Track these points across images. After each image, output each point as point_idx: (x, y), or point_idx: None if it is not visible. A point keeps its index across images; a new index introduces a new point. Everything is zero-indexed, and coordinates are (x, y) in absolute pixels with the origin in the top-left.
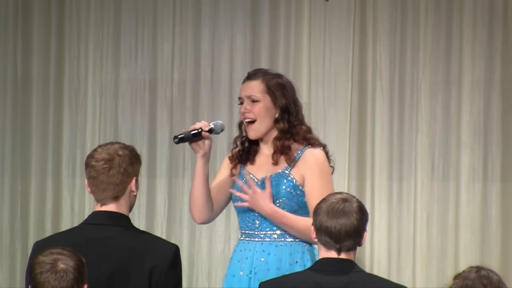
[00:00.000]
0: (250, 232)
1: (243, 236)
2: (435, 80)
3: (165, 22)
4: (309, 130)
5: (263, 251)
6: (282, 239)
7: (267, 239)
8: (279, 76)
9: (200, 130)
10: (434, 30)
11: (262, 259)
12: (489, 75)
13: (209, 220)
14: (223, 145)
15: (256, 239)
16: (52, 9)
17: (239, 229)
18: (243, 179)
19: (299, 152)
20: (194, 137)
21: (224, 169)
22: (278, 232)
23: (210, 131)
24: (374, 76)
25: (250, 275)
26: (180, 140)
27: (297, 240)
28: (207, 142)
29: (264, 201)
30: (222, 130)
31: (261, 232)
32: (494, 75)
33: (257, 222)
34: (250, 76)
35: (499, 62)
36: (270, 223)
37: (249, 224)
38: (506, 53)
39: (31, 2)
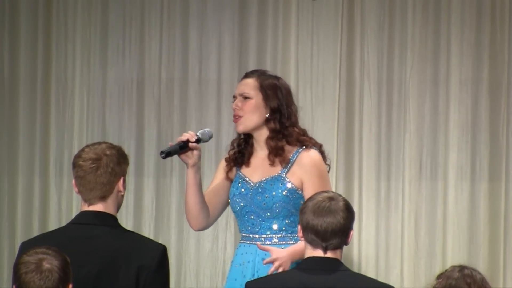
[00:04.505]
0: (251, 236)
1: (244, 239)
2: (423, 79)
3: (152, 21)
4: (303, 132)
5: (265, 254)
6: (284, 242)
7: (268, 242)
8: (276, 78)
9: (187, 141)
10: (422, 29)
11: (264, 262)
12: (477, 74)
13: (206, 226)
14: (211, 149)
15: (258, 243)
16: (39, 8)
17: (239, 231)
18: (238, 182)
19: (294, 154)
20: (181, 150)
21: (219, 173)
22: (279, 235)
23: (197, 141)
24: (362, 75)
25: (253, 279)
26: (167, 155)
27: (298, 242)
28: (195, 152)
29: (287, 262)
30: (210, 138)
31: (262, 236)
32: (481, 74)
33: (257, 226)
34: (246, 75)
35: (487, 61)
36: (269, 226)
37: (249, 228)
38: (493, 52)
39: (18, 1)
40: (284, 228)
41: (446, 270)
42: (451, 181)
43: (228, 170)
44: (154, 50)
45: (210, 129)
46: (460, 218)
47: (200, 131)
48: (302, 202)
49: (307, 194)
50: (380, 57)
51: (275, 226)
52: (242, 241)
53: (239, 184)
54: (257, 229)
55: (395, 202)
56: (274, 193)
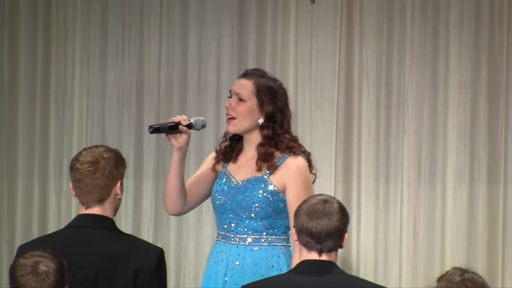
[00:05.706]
0: (227, 234)
1: (220, 237)
2: (422, 82)
3: (152, 24)
4: (293, 139)
5: (238, 254)
6: (257, 244)
7: (242, 243)
8: (274, 81)
9: (178, 123)
10: (420, 32)
11: (237, 263)
12: (476, 77)
13: (180, 212)
14: (210, 144)
15: (232, 242)
16: (39, 10)
17: (217, 229)
18: (223, 179)
19: (280, 159)
20: (170, 130)
21: (206, 163)
22: (253, 236)
23: (189, 126)
24: (360, 78)
25: (225, 278)
26: (154, 130)
27: (272, 244)
28: (184, 136)
29: None
30: (203, 127)
31: (237, 236)
32: (480, 76)
33: (233, 225)
34: (245, 74)
35: (486, 64)
36: (245, 226)
37: (225, 226)
38: (492, 54)
39: (18, 4)
40: (259, 230)
41: (447, 272)
42: (450, 184)
43: (216, 162)
44: (154, 53)
45: (204, 118)
46: (459, 220)
47: (194, 118)
48: (282, 206)
49: (289, 199)
50: (379, 59)
51: (251, 227)
52: (218, 239)
53: (223, 181)
54: (233, 228)
55: (393, 204)
56: (255, 193)
